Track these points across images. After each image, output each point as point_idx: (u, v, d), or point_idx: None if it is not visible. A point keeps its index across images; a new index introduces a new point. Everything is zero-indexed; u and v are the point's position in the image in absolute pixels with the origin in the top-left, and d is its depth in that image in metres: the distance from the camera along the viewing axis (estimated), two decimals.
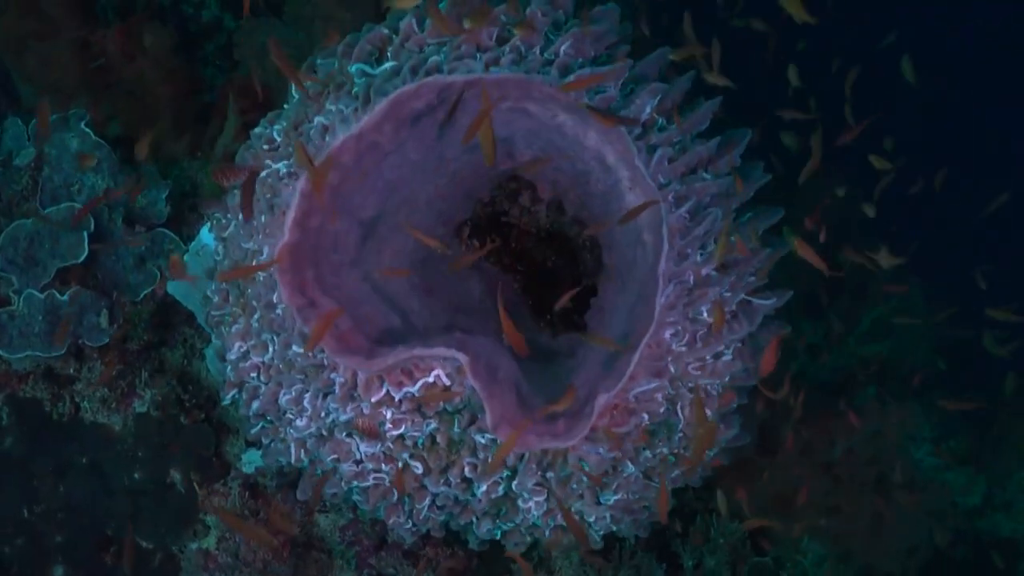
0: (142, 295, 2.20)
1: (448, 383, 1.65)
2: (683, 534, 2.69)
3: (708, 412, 1.81)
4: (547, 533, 1.89)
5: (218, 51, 2.91)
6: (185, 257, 2.22)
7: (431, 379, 1.64)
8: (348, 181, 1.64)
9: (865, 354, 3.82)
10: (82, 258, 2.12)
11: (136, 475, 2.13)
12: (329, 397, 1.72)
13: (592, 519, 1.87)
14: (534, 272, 2.55)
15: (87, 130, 2.19)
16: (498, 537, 1.95)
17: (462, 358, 1.58)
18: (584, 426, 1.60)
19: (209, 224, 2.07)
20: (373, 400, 1.66)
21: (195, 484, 2.16)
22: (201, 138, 2.51)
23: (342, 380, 1.67)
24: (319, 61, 1.92)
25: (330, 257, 1.67)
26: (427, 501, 1.82)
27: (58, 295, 2.09)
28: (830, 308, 3.87)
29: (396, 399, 1.66)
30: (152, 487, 2.14)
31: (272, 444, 1.92)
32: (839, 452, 2.64)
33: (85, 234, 2.13)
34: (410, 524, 1.92)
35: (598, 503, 1.83)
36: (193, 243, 2.21)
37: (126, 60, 2.29)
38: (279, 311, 1.70)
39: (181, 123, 2.43)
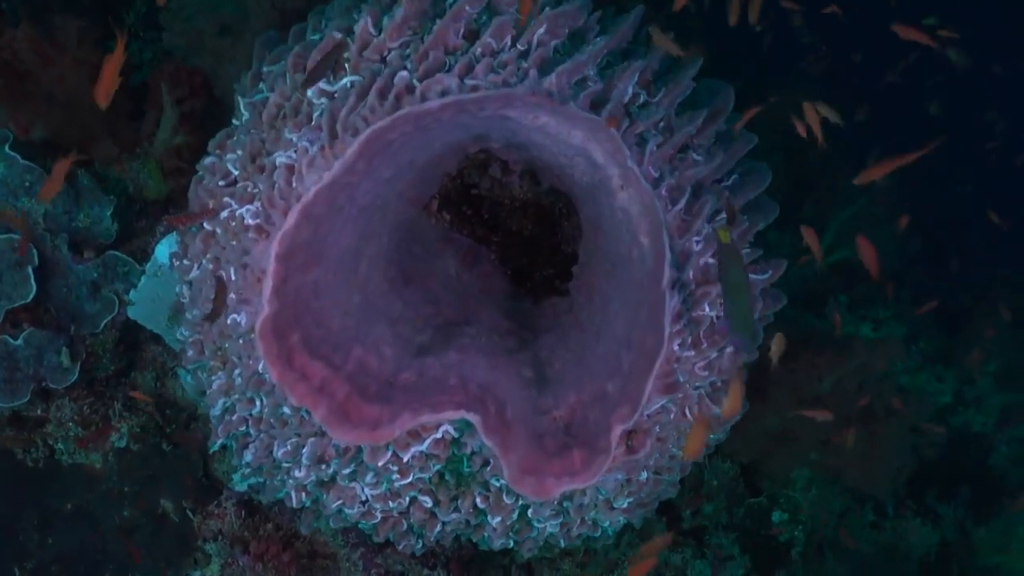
0: (102, 325, 2.05)
1: (457, 435, 1.57)
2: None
3: (715, 409, 1.77)
4: (561, 542, 1.86)
5: (139, 20, 2.63)
6: (142, 279, 2.07)
7: (439, 435, 1.56)
8: (322, 227, 1.49)
9: (833, 262, 3.81)
10: (30, 296, 1.95)
11: (126, 512, 2.05)
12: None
13: (607, 523, 1.85)
14: (511, 242, 2.46)
15: (13, 154, 1.98)
16: (511, 547, 1.93)
17: (474, 419, 1.49)
18: (603, 462, 1.54)
19: (167, 248, 1.91)
20: (380, 464, 1.57)
21: (188, 511, 2.09)
22: (137, 134, 2.29)
23: (344, 446, 1.58)
24: (265, 68, 1.73)
25: (312, 306, 1.54)
26: (437, 529, 1.77)
27: (11, 340, 1.93)
28: (796, 216, 3.82)
29: (404, 459, 1.57)
30: (145, 521, 2.06)
31: (269, 483, 1.84)
32: (828, 386, 2.64)
33: (30, 269, 1.96)
34: (421, 544, 1.88)
35: (612, 508, 1.80)
36: (149, 264, 2.05)
37: (43, 64, 2.04)
38: (266, 377, 1.57)
39: (114, 122, 2.21)
